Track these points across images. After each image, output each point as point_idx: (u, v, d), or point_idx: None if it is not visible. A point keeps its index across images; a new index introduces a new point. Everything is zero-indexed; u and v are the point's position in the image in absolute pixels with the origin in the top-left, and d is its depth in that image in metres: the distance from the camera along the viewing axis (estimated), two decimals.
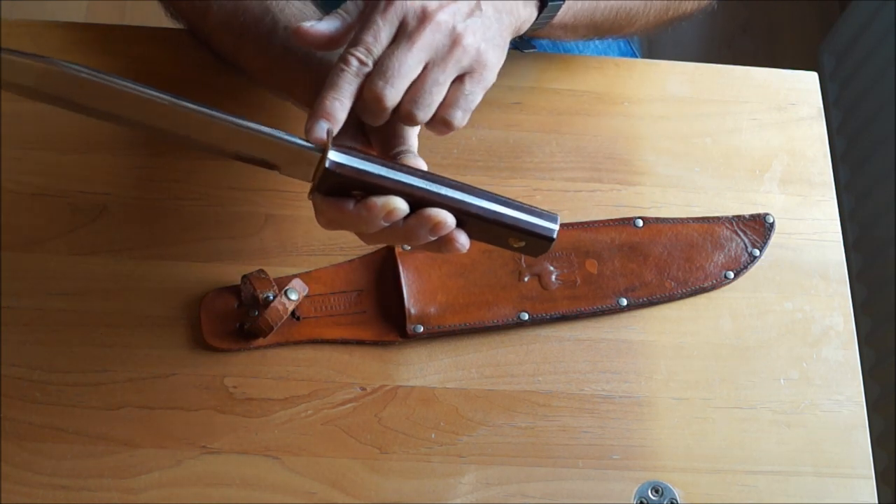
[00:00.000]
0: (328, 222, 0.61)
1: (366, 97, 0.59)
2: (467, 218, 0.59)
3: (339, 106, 0.58)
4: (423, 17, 0.59)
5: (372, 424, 0.70)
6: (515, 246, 0.62)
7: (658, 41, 1.79)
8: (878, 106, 1.57)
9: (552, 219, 0.61)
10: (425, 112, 0.60)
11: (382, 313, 0.73)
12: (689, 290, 0.76)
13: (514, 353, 0.74)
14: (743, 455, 0.72)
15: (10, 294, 0.72)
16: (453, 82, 0.61)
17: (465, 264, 0.74)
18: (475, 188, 0.60)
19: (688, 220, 0.78)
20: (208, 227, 0.75)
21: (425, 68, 0.59)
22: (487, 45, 0.61)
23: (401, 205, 0.58)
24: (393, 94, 0.58)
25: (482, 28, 0.61)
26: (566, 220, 0.77)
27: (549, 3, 0.67)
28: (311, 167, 0.59)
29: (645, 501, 0.70)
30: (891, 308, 1.47)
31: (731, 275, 0.77)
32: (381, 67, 0.58)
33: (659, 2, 0.78)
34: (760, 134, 0.84)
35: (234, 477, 0.68)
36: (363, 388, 0.71)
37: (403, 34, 0.59)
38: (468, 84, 0.61)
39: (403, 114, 0.60)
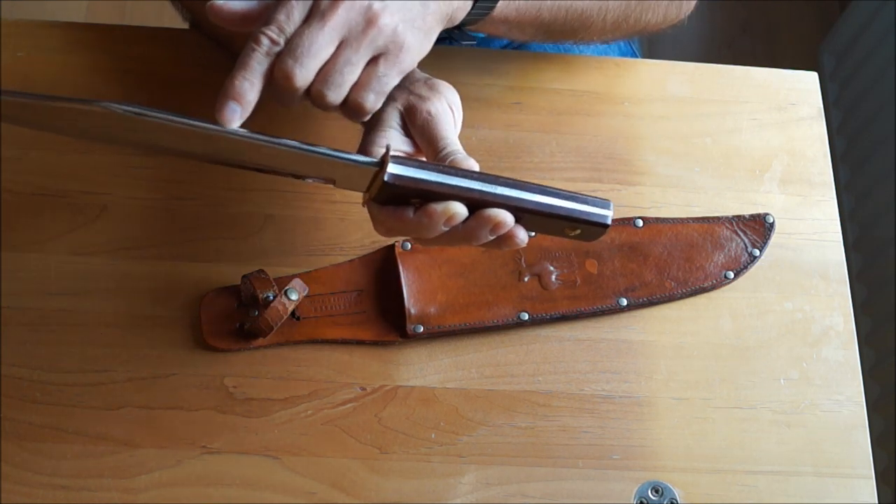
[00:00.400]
0: (387, 231, 0.61)
1: (276, 76, 0.57)
2: (524, 213, 0.60)
3: (249, 86, 0.57)
4: None
5: (372, 424, 0.70)
6: (572, 234, 0.63)
7: (658, 41, 1.79)
8: (878, 106, 1.57)
9: (605, 205, 0.62)
10: (336, 93, 0.59)
11: (382, 313, 0.73)
12: (689, 290, 0.76)
13: (514, 353, 0.74)
14: (743, 455, 0.72)
15: (10, 294, 0.72)
16: (368, 64, 0.59)
17: (465, 264, 0.74)
18: (528, 183, 0.61)
19: (688, 220, 0.78)
20: (208, 227, 0.75)
21: (338, 48, 0.58)
22: (406, 26, 0.60)
23: (460, 209, 0.58)
24: (303, 74, 0.57)
25: (401, 9, 0.60)
26: None
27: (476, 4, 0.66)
28: (366, 179, 0.59)
29: (645, 501, 0.70)
30: (891, 308, 1.47)
31: (731, 275, 0.77)
32: (291, 46, 0.57)
33: (615, 4, 0.75)
34: (760, 134, 0.84)
35: (234, 477, 0.68)
36: (363, 388, 0.71)
37: (316, 13, 0.58)
38: (382, 66, 0.60)
39: (314, 94, 0.58)
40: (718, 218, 0.79)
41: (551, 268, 0.75)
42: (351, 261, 0.75)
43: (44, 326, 0.71)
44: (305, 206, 0.77)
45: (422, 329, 0.72)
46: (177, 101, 0.79)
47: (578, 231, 0.62)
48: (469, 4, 0.65)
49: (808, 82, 0.86)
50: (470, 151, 0.79)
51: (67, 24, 0.83)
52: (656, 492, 0.70)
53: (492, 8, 0.67)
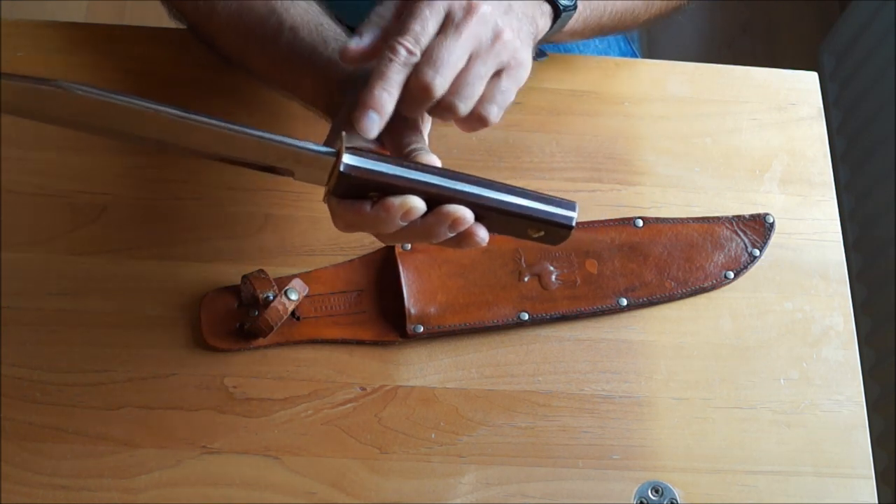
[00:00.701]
0: (346, 225, 0.61)
1: (413, 87, 0.58)
2: (485, 211, 0.59)
3: (388, 97, 0.58)
4: (469, 9, 0.59)
5: (372, 424, 0.70)
6: (535, 236, 0.62)
7: (658, 41, 1.79)
8: (878, 106, 1.57)
9: (570, 206, 0.61)
10: (467, 104, 0.60)
11: (382, 313, 0.73)
12: (689, 290, 0.76)
13: (514, 353, 0.74)
14: (743, 455, 0.72)
15: (10, 294, 0.72)
16: (491, 78, 0.60)
17: (465, 264, 0.74)
18: (491, 181, 0.60)
19: (688, 220, 0.78)
20: (208, 227, 0.75)
21: (469, 60, 0.59)
22: (522, 43, 0.61)
23: (418, 203, 0.58)
24: (441, 84, 0.58)
25: (518, 26, 0.61)
26: None
27: (563, 14, 0.67)
28: (325, 171, 0.59)
29: (645, 501, 0.70)
30: (891, 308, 1.47)
31: (731, 275, 0.77)
32: (430, 57, 0.58)
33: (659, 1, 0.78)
34: (760, 134, 0.84)
35: (234, 477, 0.68)
36: (363, 388, 0.71)
37: (451, 24, 0.58)
38: (504, 80, 0.61)
39: (444, 105, 0.59)
40: (718, 218, 0.79)
41: (551, 268, 0.75)
42: (351, 261, 0.75)
43: (44, 326, 0.71)
44: (305, 206, 0.77)
45: (422, 329, 0.72)
46: (177, 102, 0.79)
47: (542, 233, 0.61)
48: (549, 26, 0.67)
49: (808, 82, 0.86)
50: (470, 151, 0.79)
51: (67, 24, 0.83)
52: (656, 492, 0.70)
53: (564, 23, 0.68)
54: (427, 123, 0.65)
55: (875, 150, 1.57)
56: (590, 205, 0.79)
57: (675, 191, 0.80)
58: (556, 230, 0.61)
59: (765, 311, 0.77)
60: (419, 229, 0.59)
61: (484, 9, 0.59)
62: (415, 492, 0.69)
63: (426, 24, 0.58)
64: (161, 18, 0.82)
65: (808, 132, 0.84)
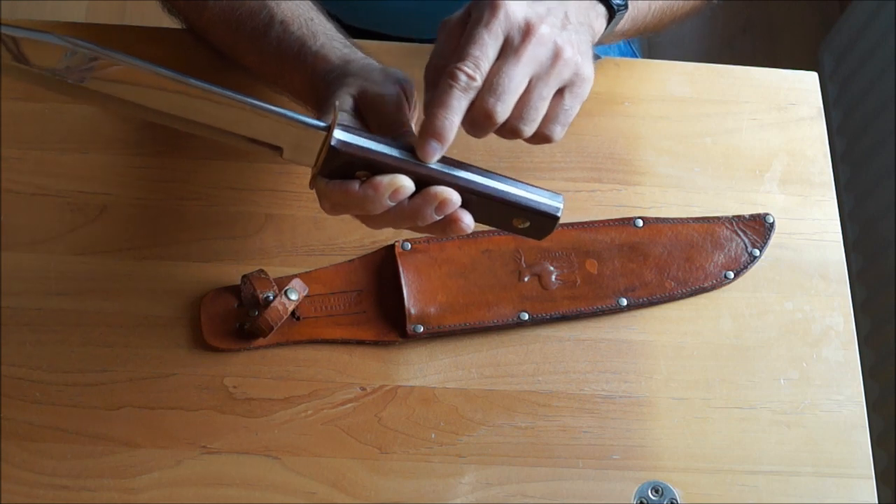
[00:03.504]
0: (332, 206, 0.60)
1: (476, 114, 0.58)
2: (472, 197, 0.59)
3: (449, 126, 0.57)
4: (527, 31, 0.58)
5: (372, 424, 0.70)
6: (520, 227, 0.61)
7: (658, 41, 1.79)
8: (878, 106, 1.57)
9: (556, 197, 0.61)
10: (530, 127, 0.60)
11: (382, 313, 0.73)
12: (689, 290, 0.76)
13: (514, 353, 0.74)
14: (743, 455, 0.72)
15: (10, 294, 0.72)
16: (553, 96, 0.60)
17: (465, 264, 0.74)
18: (479, 168, 0.60)
19: (688, 220, 0.78)
20: (208, 227, 0.75)
21: (530, 83, 0.59)
22: (583, 58, 0.61)
23: (407, 183, 0.58)
24: (503, 111, 0.58)
25: (577, 40, 0.61)
26: (566, 221, 0.77)
27: (616, 14, 0.67)
28: (314, 151, 0.58)
29: (645, 501, 0.70)
30: (891, 308, 1.47)
31: (731, 275, 0.77)
32: (491, 83, 0.58)
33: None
34: (760, 134, 0.84)
35: (234, 477, 0.68)
36: (363, 388, 0.71)
37: (510, 49, 0.58)
38: (567, 98, 0.61)
39: (509, 128, 0.59)
40: (718, 218, 0.79)
41: (551, 268, 0.75)
42: (351, 261, 0.75)
43: (44, 326, 0.71)
44: (305, 206, 0.77)
45: (422, 329, 0.72)
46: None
47: (527, 224, 0.61)
48: (604, 27, 0.67)
49: (808, 82, 0.86)
50: (470, 151, 0.79)
51: (67, 24, 0.83)
52: (656, 492, 0.70)
53: (618, 23, 0.69)
54: (413, 112, 0.64)
55: (875, 150, 1.57)
56: (590, 205, 0.79)
57: (675, 191, 0.80)
58: (541, 221, 0.61)
59: (765, 311, 0.77)
60: (406, 211, 0.59)
61: (542, 30, 0.59)
62: (415, 492, 0.69)
63: (486, 48, 0.58)
64: (161, 18, 0.82)
65: (808, 132, 0.84)
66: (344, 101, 0.63)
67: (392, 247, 0.74)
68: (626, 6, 0.68)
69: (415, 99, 0.65)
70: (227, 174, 0.77)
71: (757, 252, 0.78)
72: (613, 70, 0.85)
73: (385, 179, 0.57)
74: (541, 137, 0.61)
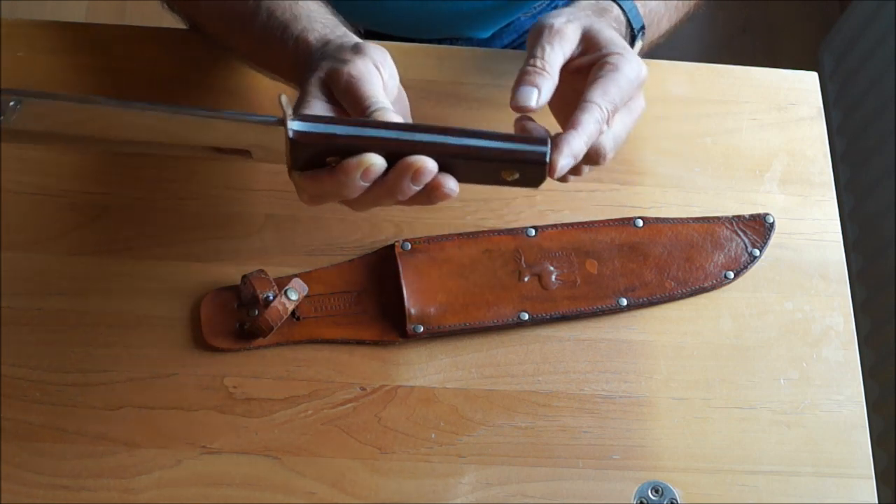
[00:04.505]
0: (311, 197, 0.60)
1: (592, 153, 0.62)
2: (450, 159, 0.57)
3: (583, 147, 0.61)
4: (637, 91, 0.65)
5: (372, 424, 0.70)
6: (510, 179, 0.59)
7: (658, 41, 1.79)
8: (878, 106, 1.57)
9: (542, 142, 0.59)
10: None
11: (382, 313, 0.73)
12: (689, 290, 0.76)
13: (514, 353, 0.74)
14: (743, 455, 0.72)
15: (10, 294, 0.72)
16: None
17: (465, 264, 0.74)
18: (455, 128, 0.58)
19: (688, 220, 0.78)
20: (208, 227, 0.75)
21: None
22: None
23: (376, 160, 0.56)
24: (611, 157, 0.64)
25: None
26: (566, 221, 0.77)
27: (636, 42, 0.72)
28: (280, 148, 0.57)
29: (645, 501, 0.70)
30: (891, 308, 1.47)
31: (731, 275, 0.77)
32: (603, 145, 0.63)
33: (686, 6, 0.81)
34: (760, 134, 0.84)
35: (234, 477, 0.68)
36: (363, 388, 0.71)
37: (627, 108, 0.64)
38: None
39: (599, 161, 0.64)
40: (718, 218, 0.79)
41: (551, 268, 0.75)
42: (351, 261, 0.75)
43: (44, 326, 0.71)
44: (305, 206, 0.76)
45: (422, 329, 0.72)
46: (177, 102, 0.79)
47: (516, 175, 0.59)
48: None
49: (808, 82, 0.86)
50: None
51: (67, 24, 0.83)
52: (656, 492, 0.70)
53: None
54: (388, 86, 0.63)
55: (875, 150, 1.57)
56: (590, 205, 0.79)
57: (675, 191, 0.80)
58: (530, 169, 0.58)
59: (765, 311, 0.77)
60: (383, 188, 0.58)
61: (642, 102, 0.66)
62: (415, 492, 0.69)
63: (622, 94, 0.63)
64: (161, 18, 0.82)
65: (808, 132, 0.84)
66: (312, 84, 0.62)
67: (392, 247, 0.74)
68: (642, 28, 0.72)
69: (393, 72, 0.64)
70: (227, 174, 0.77)
71: (757, 252, 0.78)
72: None
73: (353, 161, 0.56)
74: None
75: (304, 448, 0.69)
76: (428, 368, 0.72)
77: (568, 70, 0.65)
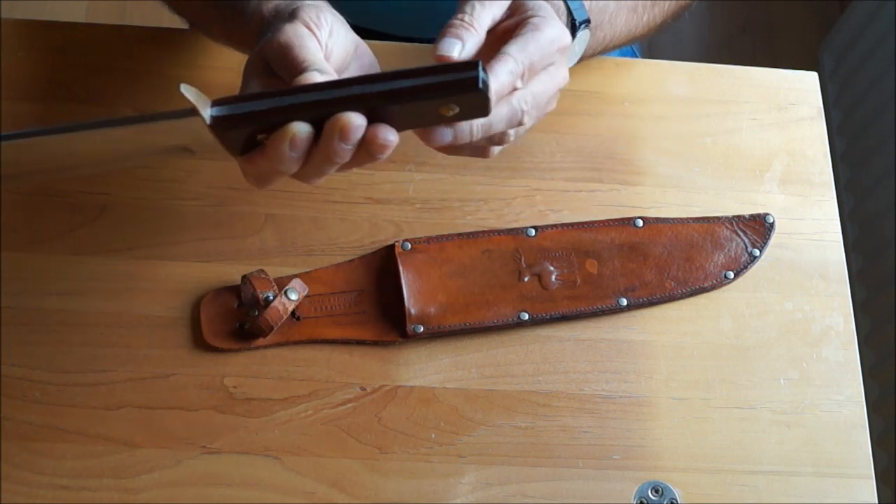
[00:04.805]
0: (255, 179, 0.59)
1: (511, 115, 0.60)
2: (381, 107, 0.54)
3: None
4: (559, 54, 0.63)
5: (372, 424, 0.70)
6: (450, 115, 0.56)
7: (658, 41, 1.79)
8: (878, 106, 1.57)
9: (471, 65, 0.54)
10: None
11: (382, 313, 0.73)
12: (689, 290, 0.76)
13: (514, 353, 0.74)
14: (743, 455, 0.72)
15: (10, 294, 0.72)
16: None
17: (465, 264, 0.74)
18: (376, 74, 0.55)
19: (688, 220, 0.78)
20: (208, 227, 0.75)
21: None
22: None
23: (300, 127, 0.54)
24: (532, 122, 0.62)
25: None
26: (566, 221, 0.77)
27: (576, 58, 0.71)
28: (211, 137, 0.56)
29: (645, 501, 0.70)
30: (891, 308, 1.47)
31: (731, 275, 0.77)
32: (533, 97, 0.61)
33: (660, 9, 0.80)
34: (760, 134, 0.84)
35: (234, 477, 0.68)
36: (363, 388, 0.71)
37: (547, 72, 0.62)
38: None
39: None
40: (718, 218, 0.79)
41: (551, 268, 0.75)
42: (351, 261, 0.75)
43: (44, 326, 0.71)
44: (305, 206, 0.77)
45: (422, 329, 0.72)
46: (177, 102, 0.79)
47: (456, 109, 0.55)
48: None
49: (808, 82, 0.86)
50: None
51: (67, 24, 0.83)
52: (656, 492, 0.70)
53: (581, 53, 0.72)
54: (322, 44, 0.61)
55: (875, 150, 1.57)
56: (590, 205, 0.79)
57: (675, 191, 0.80)
58: (467, 98, 0.54)
59: (765, 311, 0.77)
60: (318, 154, 0.56)
61: (564, 60, 0.63)
62: (415, 492, 0.69)
63: (535, 57, 0.60)
64: (161, 19, 0.82)
65: (808, 132, 0.84)
66: (251, 68, 0.61)
67: (392, 247, 0.74)
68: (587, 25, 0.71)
69: (337, 30, 0.62)
70: (227, 174, 0.77)
71: (757, 252, 0.78)
72: (613, 70, 0.85)
73: (277, 134, 0.55)
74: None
75: (304, 448, 0.69)
76: (428, 368, 0.72)
77: (495, 34, 0.63)
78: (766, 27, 1.95)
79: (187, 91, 0.55)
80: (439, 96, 0.54)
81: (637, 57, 1.01)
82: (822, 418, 0.74)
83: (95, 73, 0.80)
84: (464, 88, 0.54)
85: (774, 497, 0.71)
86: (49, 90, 0.79)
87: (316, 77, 0.56)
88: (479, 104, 0.55)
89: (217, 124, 0.54)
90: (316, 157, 0.56)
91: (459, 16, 0.61)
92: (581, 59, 0.75)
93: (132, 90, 0.79)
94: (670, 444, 0.72)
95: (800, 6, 1.97)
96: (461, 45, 0.59)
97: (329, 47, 0.60)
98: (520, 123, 0.61)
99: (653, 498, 0.70)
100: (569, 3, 0.70)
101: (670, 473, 0.71)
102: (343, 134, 0.54)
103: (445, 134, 0.58)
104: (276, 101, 0.54)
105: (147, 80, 0.80)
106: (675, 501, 0.70)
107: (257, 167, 0.57)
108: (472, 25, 0.60)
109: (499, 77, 0.58)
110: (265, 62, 0.60)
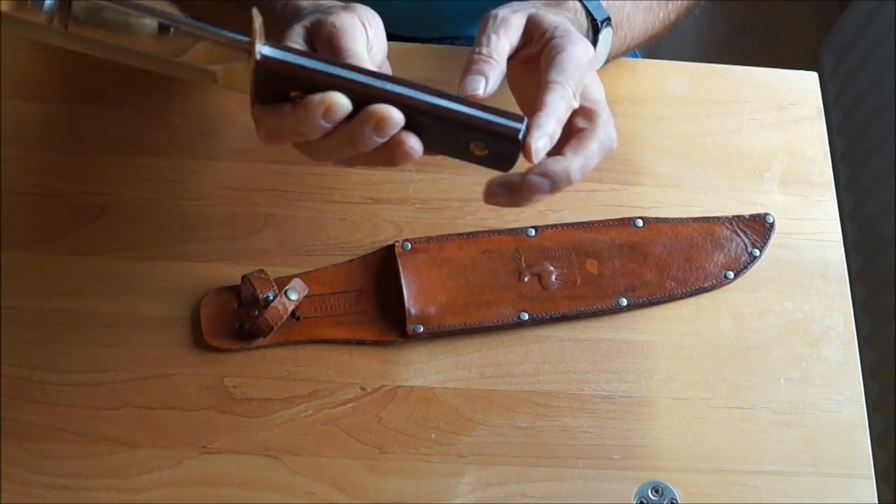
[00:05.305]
0: (267, 133, 0.57)
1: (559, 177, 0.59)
2: (419, 117, 0.55)
3: (557, 126, 0.59)
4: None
5: (372, 424, 0.70)
6: (478, 154, 0.56)
7: (658, 41, 1.79)
8: (878, 106, 1.57)
9: (518, 118, 0.56)
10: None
11: (382, 313, 0.73)
12: (689, 290, 0.76)
13: (514, 353, 0.74)
14: (743, 455, 0.72)
15: (10, 294, 0.72)
16: None
17: (466, 264, 0.74)
18: (430, 87, 0.55)
19: (688, 220, 0.78)
20: (208, 227, 0.75)
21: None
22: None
23: (341, 99, 0.54)
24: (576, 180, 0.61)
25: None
26: (566, 221, 0.77)
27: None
28: (247, 75, 0.55)
29: (645, 501, 0.70)
30: (891, 308, 1.47)
31: (731, 275, 0.77)
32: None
33: (673, 7, 0.81)
34: (760, 134, 0.84)
35: (234, 477, 0.68)
36: (363, 388, 0.71)
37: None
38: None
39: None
40: (718, 218, 0.79)
41: (551, 268, 0.75)
42: (351, 261, 0.75)
43: (44, 326, 0.71)
44: (305, 206, 0.77)
45: (422, 329, 0.72)
46: (177, 101, 0.79)
47: (486, 151, 0.56)
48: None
49: (808, 82, 0.86)
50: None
51: None
52: (656, 492, 0.70)
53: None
54: (372, 46, 0.62)
55: (875, 150, 1.57)
56: (590, 205, 0.79)
57: (675, 191, 0.80)
58: (501, 146, 0.56)
59: (765, 311, 0.77)
60: (344, 134, 0.55)
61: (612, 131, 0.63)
62: (415, 492, 0.69)
63: (575, 83, 0.61)
64: None
65: (808, 132, 0.84)
66: (294, 32, 0.60)
67: (392, 247, 0.74)
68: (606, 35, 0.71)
69: (380, 36, 0.63)
70: (227, 174, 0.77)
71: (757, 252, 0.78)
72: (613, 70, 0.85)
73: (317, 97, 0.54)
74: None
75: (304, 448, 0.69)
76: (428, 368, 0.72)
77: (518, 61, 0.63)
78: (766, 27, 1.95)
79: (257, 17, 0.54)
80: (479, 133, 0.55)
81: (637, 57, 1.01)
82: (822, 418, 0.74)
83: (96, 73, 0.80)
84: (503, 137, 0.55)
85: (774, 497, 0.71)
86: (49, 90, 0.79)
87: (368, 65, 0.57)
88: (509, 155, 0.56)
89: (264, 63, 0.54)
90: (340, 135, 0.56)
91: (477, 49, 0.61)
92: (606, 61, 0.75)
93: (133, 90, 0.79)
94: (670, 444, 0.72)
95: (800, 6, 1.97)
96: (485, 82, 0.59)
97: (372, 47, 0.61)
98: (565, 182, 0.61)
99: (653, 498, 0.70)
100: (586, 3, 0.70)
101: (670, 473, 0.71)
102: (380, 125, 0.54)
103: (543, 184, 0.58)
104: (328, 67, 0.54)
105: (147, 80, 0.80)
106: (675, 501, 0.70)
107: (279, 122, 0.56)
108: (491, 58, 0.60)
109: (554, 106, 0.58)
110: (310, 37, 0.60)
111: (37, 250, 0.73)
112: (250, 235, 0.75)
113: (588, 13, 0.71)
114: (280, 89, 0.55)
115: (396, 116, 0.54)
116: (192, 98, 0.80)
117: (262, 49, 0.54)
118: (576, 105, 0.60)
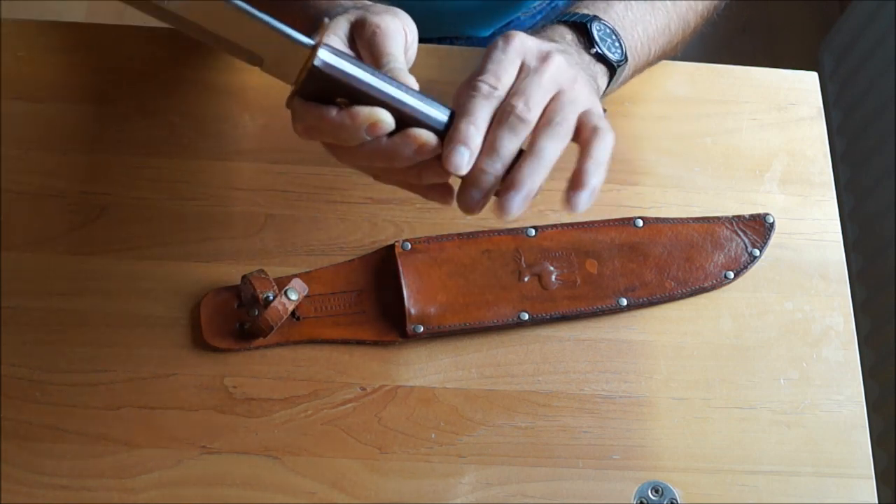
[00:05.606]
0: (305, 129, 0.59)
1: (504, 118, 0.58)
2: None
3: (475, 130, 0.57)
4: (545, 57, 0.60)
5: (372, 424, 0.70)
6: None
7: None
8: (878, 106, 1.57)
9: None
10: (560, 143, 0.60)
11: (382, 313, 0.73)
12: (689, 290, 0.76)
13: (514, 353, 0.74)
14: (743, 455, 0.72)
15: (10, 294, 0.72)
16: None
17: (465, 264, 0.74)
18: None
19: (688, 220, 0.78)
20: (208, 227, 0.75)
21: (553, 98, 0.60)
22: (596, 97, 0.64)
23: (387, 117, 0.56)
24: (532, 118, 0.58)
25: (586, 79, 0.63)
26: (566, 221, 0.77)
27: (617, 70, 0.70)
28: (295, 69, 0.56)
29: (645, 501, 0.70)
30: (891, 308, 1.47)
31: (731, 275, 0.77)
32: (517, 90, 0.58)
33: (690, 22, 0.80)
34: (760, 134, 0.84)
35: (234, 477, 0.68)
36: (363, 388, 0.71)
37: (529, 69, 0.59)
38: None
39: (537, 146, 0.59)
40: (718, 218, 0.79)
41: (551, 268, 0.75)
42: (351, 261, 0.75)
43: (44, 326, 0.71)
44: (305, 206, 0.77)
45: (422, 329, 0.72)
46: (177, 102, 0.79)
47: None
48: (606, 82, 0.70)
49: (808, 82, 0.86)
50: None
51: (67, 24, 0.83)
52: (656, 492, 0.70)
53: (619, 78, 0.71)
54: (409, 51, 0.63)
55: (875, 150, 1.57)
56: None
57: (675, 191, 0.80)
58: None
59: (765, 311, 0.77)
60: (382, 149, 0.57)
61: (557, 57, 0.60)
62: (415, 492, 0.69)
63: (503, 64, 0.59)
64: None
65: (808, 132, 0.84)
66: (338, 24, 0.62)
67: (392, 247, 0.74)
68: (625, 60, 0.70)
69: (415, 42, 0.64)
70: (227, 174, 0.77)
71: (757, 252, 0.78)
72: None
73: (366, 110, 0.56)
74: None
75: (304, 448, 0.69)
76: (428, 368, 0.72)
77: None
78: (766, 27, 1.95)
79: (332, 32, 0.57)
80: None
81: None
82: (822, 418, 0.74)
83: (96, 73, 0.80)
84: None
85: (774, 497, 0.71)
86: (49, 90, 0.79)
87: (408, 76, 0.58)
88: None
89: (321, 66, 0.55)
90: (377, 149, 0.57)
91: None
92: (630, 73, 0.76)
93: (133, 90, 0.79)
94: (670, 444, 0.72)
95: (800, 6, 1.97)
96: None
97: (408, 51, 0.63)
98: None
99: (653, 498, 0.70)
100: (602, 48, 0.69)
101: (670, 473, 0.71)
102: (420, 150, 0.57)
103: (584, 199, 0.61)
104: (381, 85, 0.56)
105: (147, 81, 0.80)
106: (675, 501, 0.70)
107: (321, 122, 0.57)
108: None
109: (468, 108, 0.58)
110: (352, 32, 0.61)
111: (37, 250, 0.73)
112: (250, 235, 0.75)
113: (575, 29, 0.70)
114: (327, 92, 0.56)
115: (434, 143, 0.57)
116: (192, 98, 0.80)
117: (324, 55, 0.56)
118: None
